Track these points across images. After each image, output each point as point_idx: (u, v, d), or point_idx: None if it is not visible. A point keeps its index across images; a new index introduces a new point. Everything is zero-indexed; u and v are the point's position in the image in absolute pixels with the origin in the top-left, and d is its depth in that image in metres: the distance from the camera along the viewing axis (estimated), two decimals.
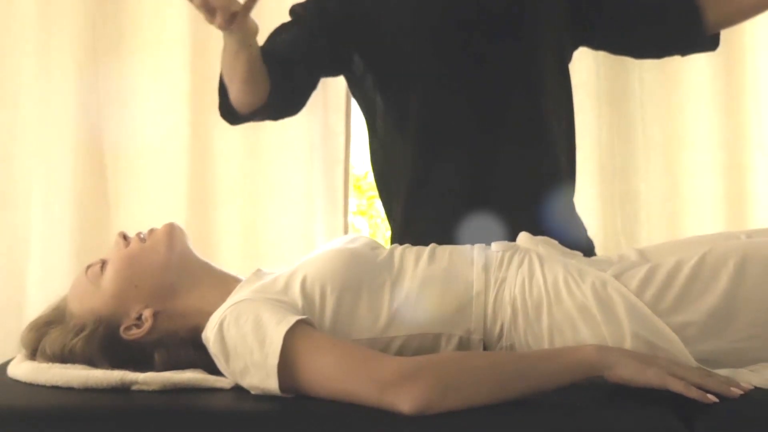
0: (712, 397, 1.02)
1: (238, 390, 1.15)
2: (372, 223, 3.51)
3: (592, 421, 1.05)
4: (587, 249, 1.61)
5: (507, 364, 1.08)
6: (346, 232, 2.40)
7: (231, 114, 1.54)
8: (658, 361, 1.07)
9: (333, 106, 2.38)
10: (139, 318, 1.26)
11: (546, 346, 1.19)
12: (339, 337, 1.19)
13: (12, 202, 2.32)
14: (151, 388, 1.15)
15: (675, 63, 2.35)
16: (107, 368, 1.19)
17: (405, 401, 1.03)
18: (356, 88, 1.69)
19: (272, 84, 1.48)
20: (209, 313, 1.20)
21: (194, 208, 2.34)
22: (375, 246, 1.37)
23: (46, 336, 1.27)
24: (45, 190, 2.31)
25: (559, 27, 1.62)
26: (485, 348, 1.23)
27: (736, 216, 2.40)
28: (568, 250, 1.36)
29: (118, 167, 2.35)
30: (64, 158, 2.32)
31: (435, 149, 1.59)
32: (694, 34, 1.57)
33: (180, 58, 2.34)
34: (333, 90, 2.36)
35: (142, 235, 1.33)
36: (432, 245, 1.34)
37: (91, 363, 1.22)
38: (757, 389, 1.08)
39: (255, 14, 1.36)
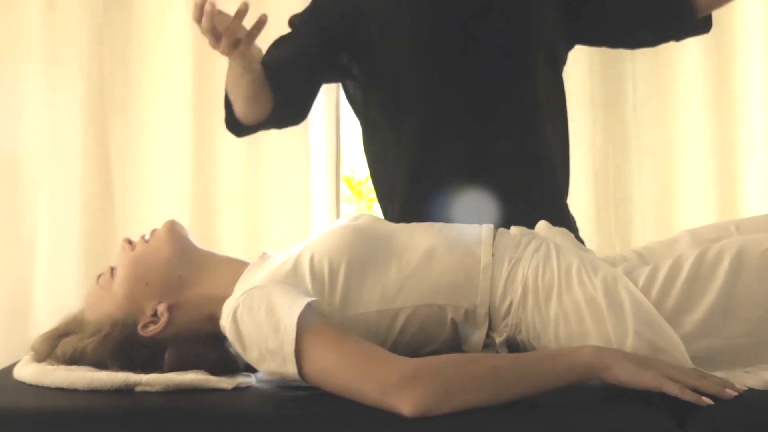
0: (706, 400, 1.03)
1: (239, 391, 1.17)
2: None
3: (587, 421, 1.06)
4: None
5: (506, 367, 1.08)
6: None
7: (236, 126, 1.57)
8: (654, 364, 1.07)
9: (326, 115, 2.41)
10: (155, 314, 1.27)
11: (551, 331, 1.20)
12: (349, 311, 1.22)
13: (19, 207, 2.33)
14: (154, 389, 1.16)
15: (668, 69, 2.37)
16: (113, 371, 1.20)
17: (406, 404, 1.04)
18: (351, 89, 1.71)
19: (275, 97, 1.50)
20: (221, 299, 1.22)
21: (197, 213, 2.37)
22: (379, 222, 1.39)
23: (61, 344, 1.27)
24: (52, 195, 2.33)
25: (552, 23, 1.63)
26: (491, 322, 1.24)
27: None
28: (582, 245, 1.37)
29: (124, 173, 2.38)
30: (71, 164, 2.35)
31: (431, 143, 1.60)
32: (684, 18, 1.57)
33: (184, 67, 2.37)
34: (326, 99, 2.39)
35: (146, 237, 1.35)
36: (439, 223, 1.36)
37: (98, 365, 1.23)
38: (751, 390, 1.08)
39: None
